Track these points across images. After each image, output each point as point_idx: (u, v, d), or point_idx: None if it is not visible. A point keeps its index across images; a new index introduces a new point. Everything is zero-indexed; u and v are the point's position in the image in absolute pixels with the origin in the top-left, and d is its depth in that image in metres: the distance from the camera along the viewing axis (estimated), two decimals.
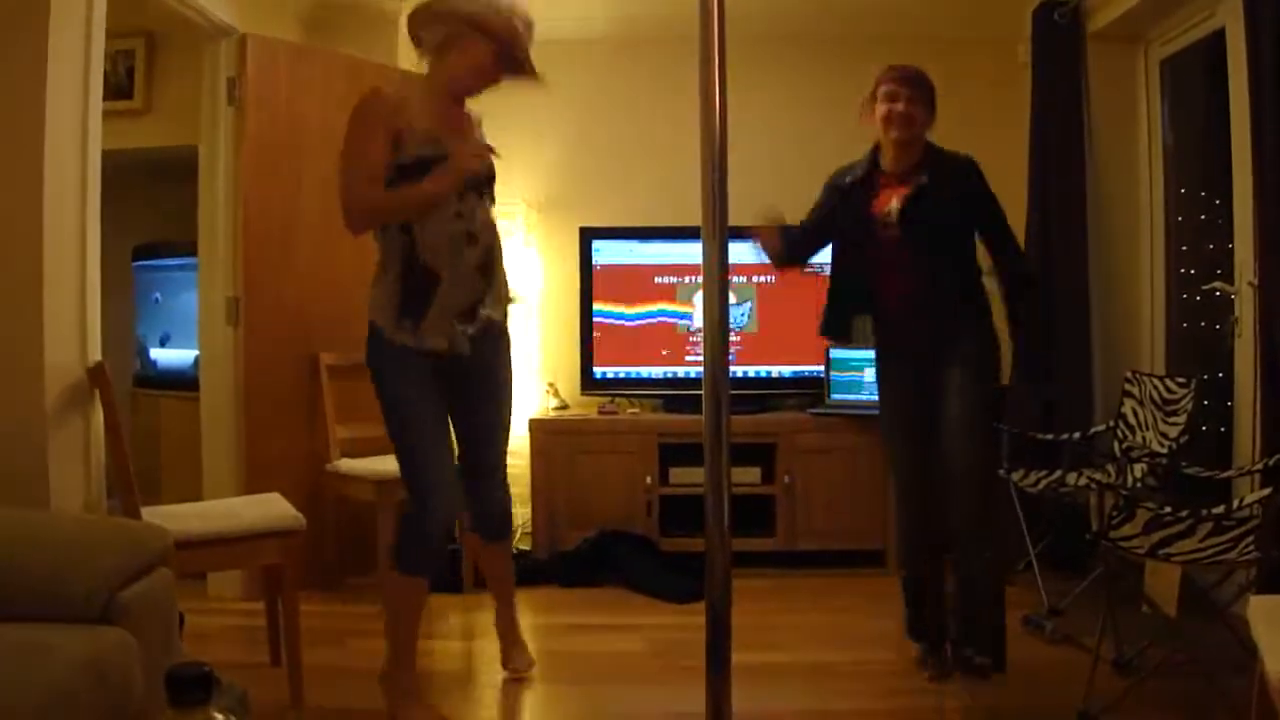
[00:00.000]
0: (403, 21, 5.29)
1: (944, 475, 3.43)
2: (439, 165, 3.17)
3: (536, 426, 5.11)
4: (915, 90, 3.56)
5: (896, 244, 3.53)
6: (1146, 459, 4.13)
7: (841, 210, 3.69)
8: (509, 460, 3.63)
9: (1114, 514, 3.32)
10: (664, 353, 5.35)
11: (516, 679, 3.71)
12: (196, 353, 4.81)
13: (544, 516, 5.07)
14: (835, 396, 5.21)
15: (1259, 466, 3.52)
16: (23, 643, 2.20)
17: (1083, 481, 4.31)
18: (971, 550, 3.42)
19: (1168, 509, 3.23)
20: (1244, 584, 3.32)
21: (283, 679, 3.40)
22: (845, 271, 3.74)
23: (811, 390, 5.34)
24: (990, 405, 3.52)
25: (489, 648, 4.03)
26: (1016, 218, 5.12)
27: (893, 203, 3.54)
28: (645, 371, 5.30)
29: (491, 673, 3.79)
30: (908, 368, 3.61)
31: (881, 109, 3.61)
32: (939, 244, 3.52)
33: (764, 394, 5.37)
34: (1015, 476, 4.38)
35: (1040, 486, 4.34)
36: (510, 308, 3.49)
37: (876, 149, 3.70)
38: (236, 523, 3.45)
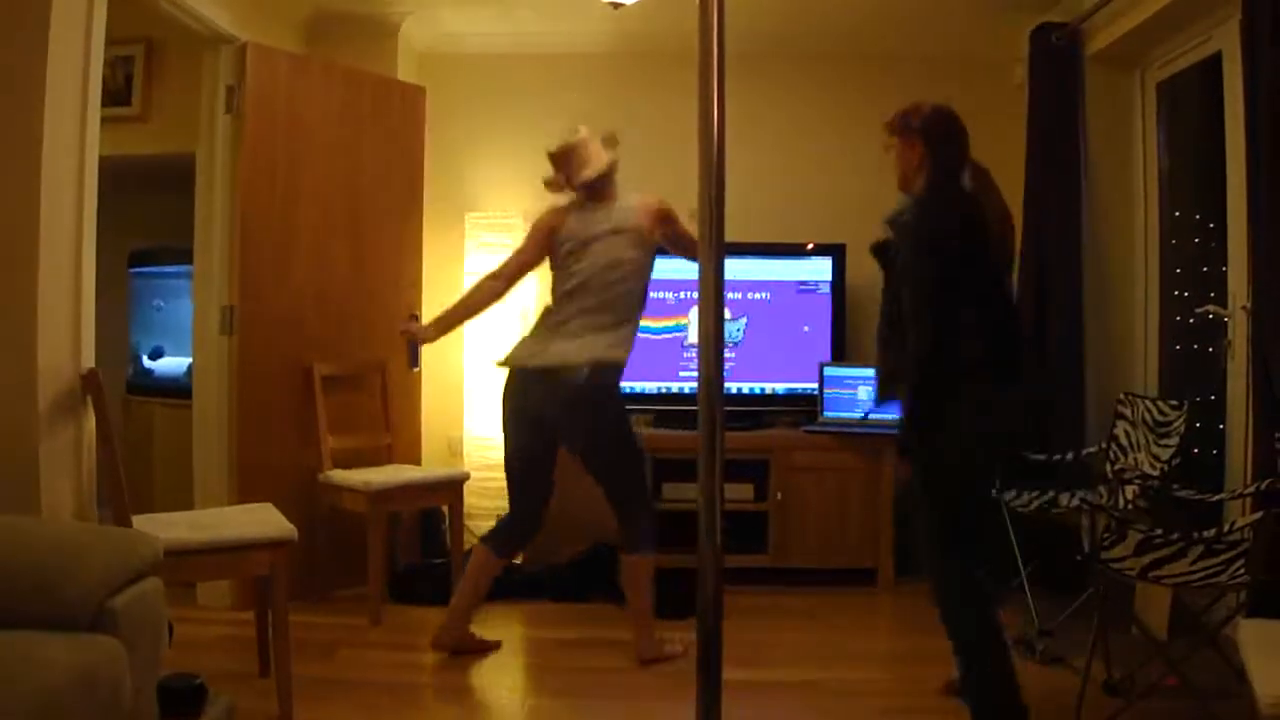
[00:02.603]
0: (403, 33, 5.34)
1: None
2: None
3: None
4: (898, 125, 3.40)
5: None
6: (1138, 481, 4.13)
7: None
8: (502, 474, 4.12)
9: (1105, 535, 3.32)
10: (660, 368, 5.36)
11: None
12: (190, 360, 4.79)
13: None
14: (829, 414, 5.21)
15: (1250, 490, 3.52)
16: (12, 650, 2.19)
17: (1074, 502, 4.32)
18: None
19: (1159, 531, 3.23)
20: (1234, 607, 3.32)
21: (271, 690, 3.39)
22: None
23: (805, 408, 5.34)
24: (941, 516, 3.22)
25: (481, 660, 4.04)
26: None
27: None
28: (639, 387, 5.29)
29: (484, 686, 3.77)
30: None
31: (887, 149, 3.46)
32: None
33: (758, 410, 5.37)
34: (1007, 496, 4.38)
35: (1032, 507, 4.34)
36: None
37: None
38: (227, 532, 3.44)
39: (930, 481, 3.20)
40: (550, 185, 4.11)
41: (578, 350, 3.86)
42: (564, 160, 4.04)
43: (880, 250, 3.49)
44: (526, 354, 3.97)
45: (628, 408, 4.09)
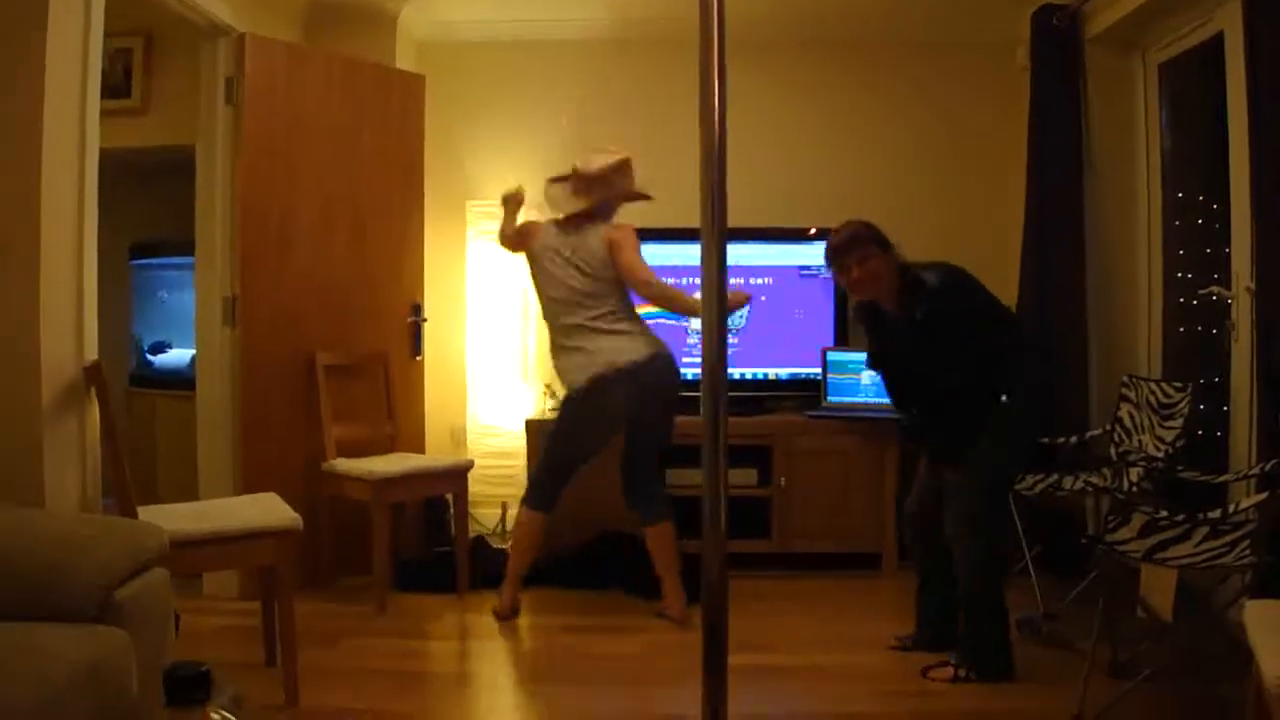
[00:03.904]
0: (401, 21, 5.33)
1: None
2: None
3: (533, 428, 5.11)
4: (852, 255, 3.70)
5: None
6: (1143, 463, 4.13)
7: None
8: (506, 461, 4.29)
9: (1110, 517, 3.32)
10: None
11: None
12: (193, 352, 4.80)
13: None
14: (832, 399, 5.21)
15: (1255, 471, 3.52)
16: (17, 642, 2.20)
17: (1079, 485, 4.32)
18: (960, 556, 3.62)
19: (1164, 513, 3.23)
20: (1239, 588, 3.32)
21: (277, 679, 3.40)
22: None
23: (808, 393, 5.33)
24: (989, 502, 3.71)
25: (485, 648, 4.05)
26: (1014, 221, 5.16)
27: None
28: None
29: (489, 674, 3.79)
30: None
31: (844, 284, 3.83)
32: None
33: (761, 396, 5.37)
34: None
35: (1037, 489, 4.34)
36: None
37: None
38: (232, 522, 3.44)
39: (986, 479, 3.62)
40: (566, 180, 4.36)
41: (636, 347, 4.21)
42: (619, 173, 4.30)
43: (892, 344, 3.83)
44: (585, 363, 4.23)
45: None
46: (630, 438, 4.37)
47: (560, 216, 4.36)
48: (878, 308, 3.81)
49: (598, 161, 4.28)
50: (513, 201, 4.50)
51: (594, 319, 4.24)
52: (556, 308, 4.33)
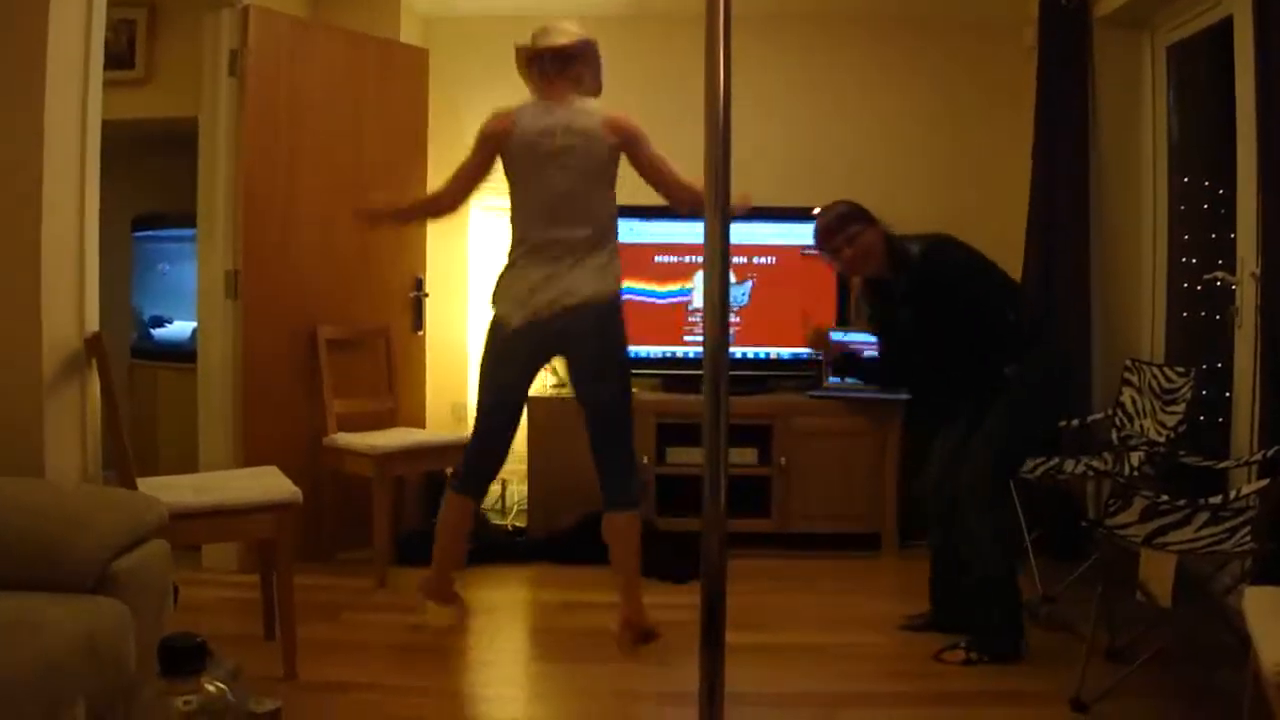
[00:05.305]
0: None
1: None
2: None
3: (533, 405, 5.10)
4: (841, 235, 3.74)
5: None
6: (1144, 447, 4.13)
7: None
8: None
9: (1110, 502, 3.32)
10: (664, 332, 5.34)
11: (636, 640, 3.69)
12: (194, 325, 4.79)
13: (540, 494, 5.07)
14: (833, 379, 5.20)
15: (1256, 458, 3.51)
16: (16, 613, 2.21)
17: (1080, 469, 4.31)
18: (968, 536, 3.64)
19: (1164, 498, 3.23)
20: (1239, 575, 3.32)
21: (276, 652, 3.41)
22: None
23: (809, 373, 5.33)
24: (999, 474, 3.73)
25: (484, 623, 4.05)
26: (1020, 201, 5.13)
27: None
28: (643, 351, 5.27)
29: (483, 649, 3.79)
30: None
31: (840, 266, 3.89)
32: None
33: (762, 375, 5.36)
34: None
35: (1037, 473, 4.33)
36: None
37: None
38: (232, 495, 3.45)
39: (992, 454, 3.63)
40: (521, 51, 3.70)
41: (584, 281, 3.55)
42: (546, 32, 3.67)
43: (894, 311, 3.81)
44: (525, 294, 3.59)
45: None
46: (589, 406, 3.69)
47: (537, 96, 3.69)
48: (878, 280, 3.83)
49: (571, 31, 3.68)
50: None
51: (579, 241, 3.57)
52: (540, 214, 3.63)
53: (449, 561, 3.86)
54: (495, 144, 3.67)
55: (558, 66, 3.65)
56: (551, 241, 3.58)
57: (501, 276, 3.70)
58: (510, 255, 3.70)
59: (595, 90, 3.74)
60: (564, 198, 3.58)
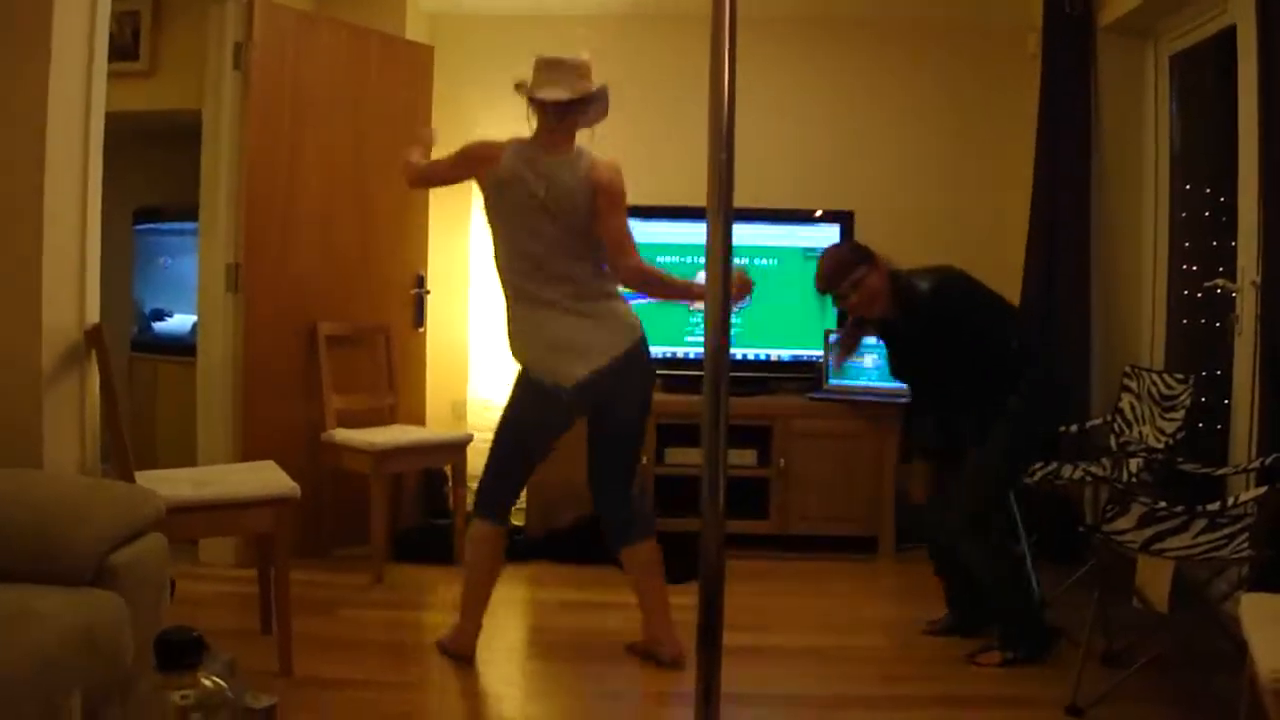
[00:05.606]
0: None
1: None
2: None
3: None
4: (844, 281, 3.71)
5: None
6: (1143, 454, 4.13)
7: None
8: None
9: (1108, 507, 3.32)
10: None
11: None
12: (195, 318, 4.79)
13: (538, 494, 5.06)
14: (833, 381, 5.20)
15: (1255, 465, 3.52)
16: (13, 605, 2.20)
17: (1078, 474, 4.31)
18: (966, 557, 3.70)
19: (1162, 504, 3.23)
20: (1236, 581, 3.32)
21: (272, 647, 3.41)
22: None
23: (809, 375, 5.33)
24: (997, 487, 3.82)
25: (482, 621, 4.04)
26: (1021, 208, 5.14)
27: None
28: None
29: (480, 646, 3.79)
30: None
31: (847, 310, 3.88)
32: None
33: (762, 377, 5.36)
34: None
35: (1035, 478, 4.33)
36: None
37: None
38: (230, 489, 3.45)
39: (987, 482, 3.68)
40: (520, 89, 3.48)
41: (608, 334, 3.45)
42: (553, 69, 3.49)
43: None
44: (546, 352, 3.47)
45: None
46: (594, 439, 3.64)
47: (529, 134, 3.51)
48: (885, 320, 3.82)
49: (576, 78, 3.49)
50: (421, 143, 3.91)
51: (565, 295, 3.45)
52: (521, 264, 3.50)
53: (480, 605, 3.64)
54: (476, 169, 3.56)
55: (557, 116, 3.46)
56: (534, 295, 3.48)
57: (510, 320, 3.57)
58: (504, 296, 3.60)
59: (597, 119, 3.59)
60: (545, 249, 3.45)
